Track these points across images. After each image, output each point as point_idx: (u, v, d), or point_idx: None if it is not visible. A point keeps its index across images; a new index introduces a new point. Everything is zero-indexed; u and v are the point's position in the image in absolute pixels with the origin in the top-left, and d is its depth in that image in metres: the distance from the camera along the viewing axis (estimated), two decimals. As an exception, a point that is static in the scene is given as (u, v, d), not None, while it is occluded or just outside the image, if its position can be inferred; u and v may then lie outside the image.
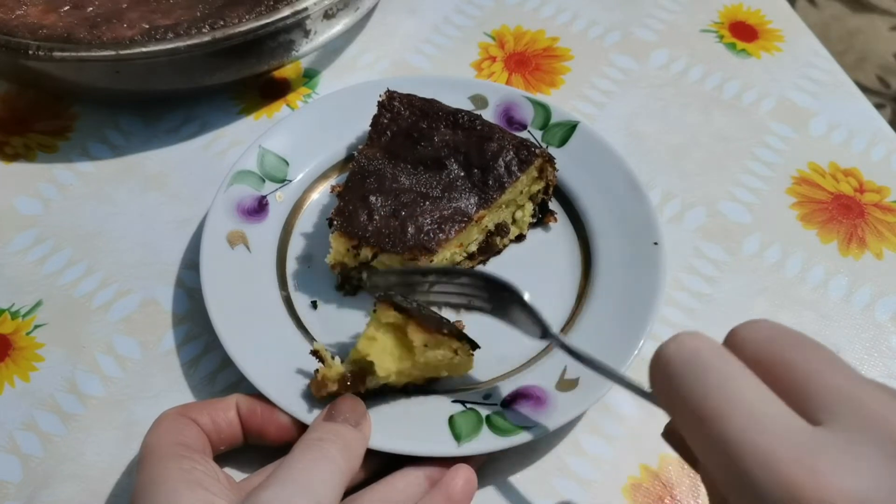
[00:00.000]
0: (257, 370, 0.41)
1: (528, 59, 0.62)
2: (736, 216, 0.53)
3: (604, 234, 0.48)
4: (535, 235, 0.51)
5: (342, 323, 0.46)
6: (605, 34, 0.64)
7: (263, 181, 0.50)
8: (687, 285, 0.49)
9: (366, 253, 0.45)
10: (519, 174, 0.47)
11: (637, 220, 0.48)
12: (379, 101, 0.50)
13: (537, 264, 0.49)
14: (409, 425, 0.40)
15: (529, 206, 0.49)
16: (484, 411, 0.41)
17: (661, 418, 0.43)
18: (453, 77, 0.58)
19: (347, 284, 0.47)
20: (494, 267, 0.49)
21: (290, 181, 0.51)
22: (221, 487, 0.34)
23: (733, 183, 0.55)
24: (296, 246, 0.49)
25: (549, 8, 0.66)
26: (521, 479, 0.41)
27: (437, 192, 0.47)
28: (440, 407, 0.41)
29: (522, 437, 0.39)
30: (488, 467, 0.41)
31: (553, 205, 0.51)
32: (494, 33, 0.64)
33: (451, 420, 0.40)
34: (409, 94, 0.51)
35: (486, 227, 0.48)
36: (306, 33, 0.55)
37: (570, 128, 0.52)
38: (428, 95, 0.51)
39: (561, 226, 0.50)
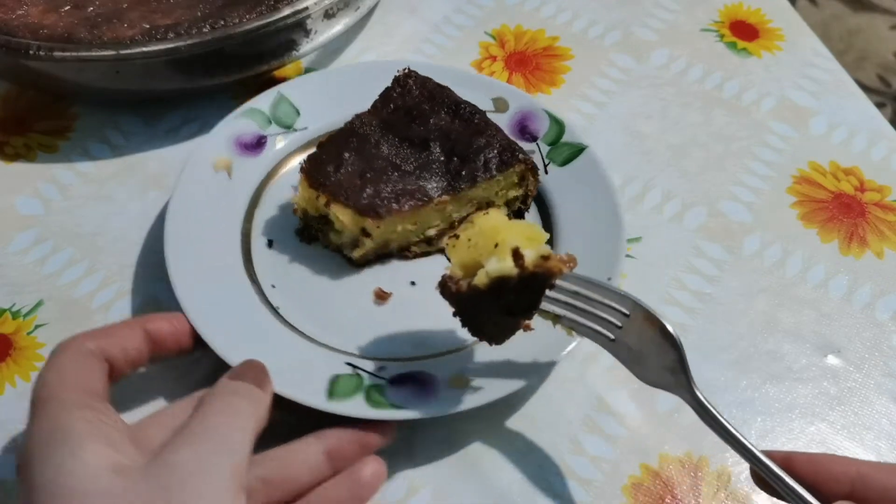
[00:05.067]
0: (191, 295, 0.43)
1: (528, 59, 0.62)
2: (736, 215, 0.53)
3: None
4: None
5: (290, 266, 0.48)
6: (605, 33, 0.64)
7: (270, 123, 0.52)
8: (688, 285, 0.49)
9: (322, 200, 0.46)
10: (495, 173, 0.47)
11: (602, 253, 0.46)
12: (396, 76, 0.51)
13: None
14: (295, 368, 0.41)
15: (504, 212, 0.49)
16: (368, 380, 0.41)
17: (662, 418, 0.43)
18: (482, 77, 0.57)
19: (306, 231, 0.49)
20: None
21: (296, 130, 0.52)
22: (125, 441, 0.32)
23: (734, 182, 0.55)
24: (276, 189, 0.51)
25: (549, 7, 0.66)
26: (521, 479, 0.41)
27: (409, 168, 0.47)
28: (332, 363, 0.42)
29: (389, 414, 0.39)
30: (488, 466, 0.41)
31: (531, 217, 0.50)
32: (495, 32, 0.64)
33: (335, 377, 0.41)
34: (426, 77, 0.51)
35: (451, 216, 0.48)
36: (307, 33, 0.55)
37: (578, 150, 0.51)
38: (452, 87, 0.51)
39: None
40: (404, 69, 0.51)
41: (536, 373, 0.42)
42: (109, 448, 0.31)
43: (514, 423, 0.43)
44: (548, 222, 0.50)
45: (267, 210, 0.50)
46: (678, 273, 0.50)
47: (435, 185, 0.47)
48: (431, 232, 0.48)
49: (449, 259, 0.39)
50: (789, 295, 0.49)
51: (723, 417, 0.35)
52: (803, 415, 0.44)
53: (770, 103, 0.60)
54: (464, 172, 0.47)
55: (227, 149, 0.51)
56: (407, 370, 0.42)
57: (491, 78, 0.56)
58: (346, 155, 0.47)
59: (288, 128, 0.52)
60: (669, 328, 0.36)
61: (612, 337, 0.38)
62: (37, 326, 0.47)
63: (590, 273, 0.44)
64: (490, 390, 0.40)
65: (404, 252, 0.48)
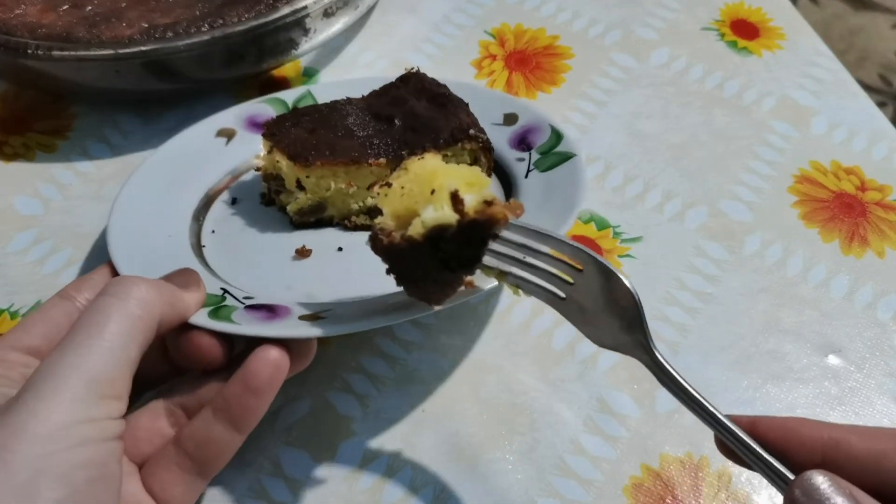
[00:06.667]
0: (121, 215, 0.45)
1: (528, 58, 0.62)
2: (737, 215, 0.53)
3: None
4: None
5: (237, 219, 0.49)
6: (605, 32, 0.64)
7: (287, 111, 0.53)
8: (688, 284, 0.49)
9: (268, 145, 0.47)
10: (439, 145, 0.46)
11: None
12: (403, 74, 0.51)
13: None
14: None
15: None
16: (229, 301, 0.41)
17: (662, 419, 0.43)
18: (503, 95, 0.54)
19: (268, 195, 0.50)
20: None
21: None
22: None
23: (735, 181, 0.55)
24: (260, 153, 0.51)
25: (549, 6, 0.66)
26: (521, 479, 0.41)
27: (362, 133, 0.48)
28: (209, 284, 0.41)
29: (222, 326, 0.37)
30: (488, 466, 0.41)
31: None
32: (495, 32, 0.64)
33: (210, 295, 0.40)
34: (428, 77, 0.50)
35: None
36: (306, 32, 0.55)
37: (565, 158, 0.48)
38: (474, 103, 0.49)
39: None
40: (412, 68, 0.51)
41: (397, 316, 0.38)
42: (2, 388, 0.32)
43: (515, 423, 0.43)
44: None
45: (247, 178, 0.52)
46: (679, 273, 0.50)
47: (378, 150, 0.47)
48: (372, 201, 0.48)
49: (381, 210, 0.35)
50: (790, 295, 0.49)
51: (683, 378, 0.31)
52: (804, 415, 0.44)
53: (771, 102, 0.60)
54: (408, 140, 0.47)
55: (236, 122, 0.52)
56: (267, 302, 0.41)
57: (512, 96, 0.53)
58: (308, 117, 0.49)
59: None
60: (626, 283, 0.32)
61: (562, 295, 0.34)
62: (35, 326, 0.46)
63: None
64: (335, 326, 0.37)
65: (345, 222, 0.49)
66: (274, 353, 0.36)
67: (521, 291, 0.35)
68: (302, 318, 0.39)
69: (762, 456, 0.29)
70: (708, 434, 0.42)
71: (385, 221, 0.35)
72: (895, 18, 1.67)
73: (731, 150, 0.56)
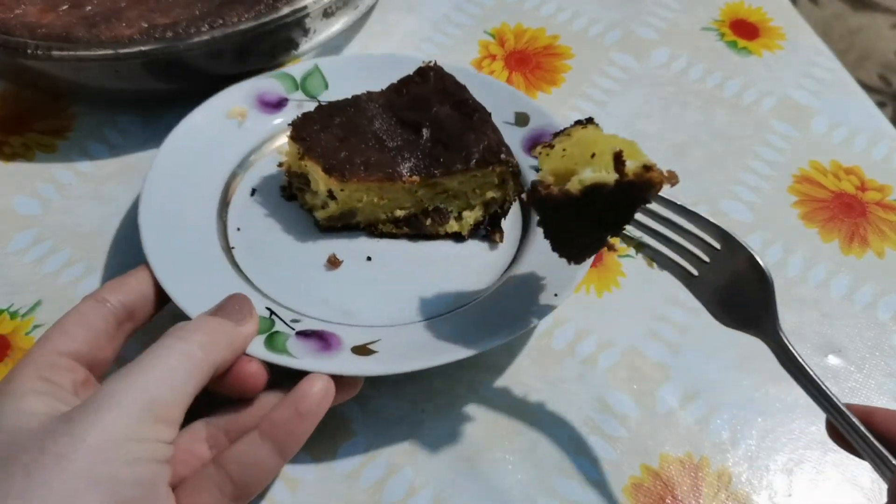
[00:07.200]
0: (151, 219, 0.45)
1: (528, 58, 0.62)
2: (737, 215, 0.53)
3: (525, 277, 0.45)
4: (475, 245, 0.49)
5: (261, 216, 0.49)
6: (605, 32, 0.64)
7: (297, 89, 0.53)
8: (688, 284, 0.49)
9: (297, 150, 0.47)
10: (472, 168, 0.46)
11: (557, 272, 0.43)
12: (420, 67, 0.51)
13: (453, 271, 0.47)
14: (219, 299, 0.41)
15: (479, 211, 0.48)
16: (279, 327, 0.41)
17: (663, 418, 0.43)
18: (515, 91, 0.54)
19: (289, 188, 0.50)
20: (417, 249, 0.48)
21: (319, 102, 0.52)
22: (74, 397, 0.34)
23: (735, 181, 0.55)
24: (280, 146, 0.52)
25: (549, 6, 0.66)
26: (521, 480, 0.41)
27: (392, 144, 0.48)
28: (258, 303, 0.42)
29: (281, 360, 0.39)
30: (488, 467, 0.41)
31: (512, 226, 0.49)
32: (494, 31, 0.64)
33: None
34: (447, 73, 0.50)
35: (421, 199, 0.48)
36: (305, 32, 0.55)
37: None
38: (483, 97, 0.49)
39: (505, 248, 0.48)
40: (430, 62, 0.51)
41: (450, 355, 0.40)
42: (52, 399, 0.33)
43: (515, 423, 0.43)
44: (526, 235, 0.49)
45: (264, 164, 0.51)
46: (679, 273, 0.50)
47: (410, 165, 0.47)
48: (400, 213, 0.48)
49: (538, 169, 0.38)
50: (790, 294, 0.49)
51: (807, 365, 0.33)
52: (805, 415, 0.44)
53: (771, 102, 0.60)
54: (442, 160, 0.47)
55: (245, 101, 0.52)
56: (317, 328, 0.42)
57: (523, 94, 0.54)
58: (337, 119, 0.48)
59: (312, 97, 0.53)
60: (762, 264, 0.34)
61: (695, 273, 0.36)
62: (35, 327, 0.46)
63: (539, 285, 0.43)
64: (391, 364, 0.40)
65: (371, 228, 0.49)
66: (324, 380, 0.38)
67: (655, 264, 0.38)
68: (354, 350, 0.41)
69: (872, 443, 0.30)
70: (707, 434, 0.42)
71: (544, 176, 0.37)
72: (895, 18, 1.67)
73: (731, 150, 0.56)
